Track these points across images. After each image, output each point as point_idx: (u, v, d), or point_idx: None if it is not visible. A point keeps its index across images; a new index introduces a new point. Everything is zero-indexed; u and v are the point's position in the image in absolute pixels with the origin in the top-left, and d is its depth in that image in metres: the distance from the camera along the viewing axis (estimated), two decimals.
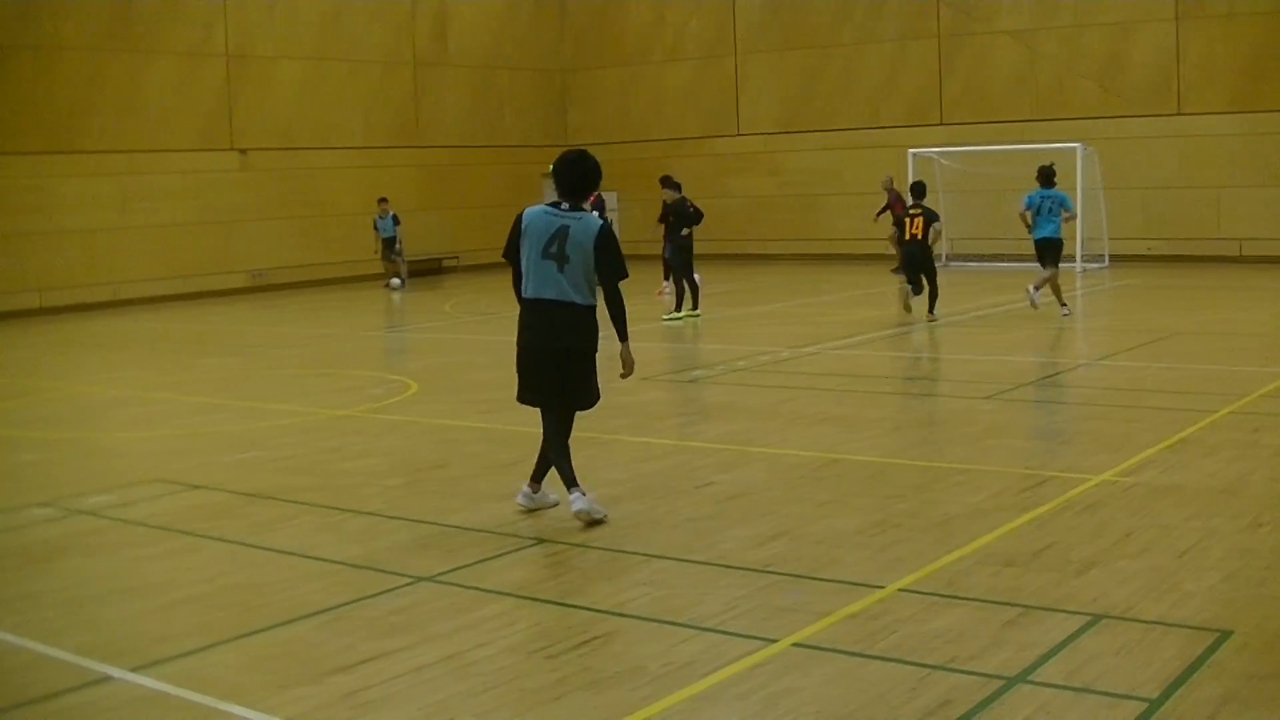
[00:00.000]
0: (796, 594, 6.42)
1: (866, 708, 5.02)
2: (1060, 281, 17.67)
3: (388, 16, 29.66)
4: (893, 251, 26.60)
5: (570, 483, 7.79)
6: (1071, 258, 23.03)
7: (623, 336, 7.81)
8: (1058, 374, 13.72)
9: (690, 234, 19.09)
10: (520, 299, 7.83)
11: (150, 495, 9.17)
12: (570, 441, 7.94)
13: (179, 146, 25.88)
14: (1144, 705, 4.95)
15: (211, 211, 26.32)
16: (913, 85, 29.08)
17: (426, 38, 30.46)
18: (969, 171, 26.58)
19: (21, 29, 23.64)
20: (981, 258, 25.95)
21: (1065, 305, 17.54)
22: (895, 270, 25.92)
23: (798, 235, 30.54)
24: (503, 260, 7.97)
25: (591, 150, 8.13)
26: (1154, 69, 26.40)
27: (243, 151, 26.91)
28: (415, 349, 18.08)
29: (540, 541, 7.56)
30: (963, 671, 5.33)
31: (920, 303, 17.90)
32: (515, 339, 7.94)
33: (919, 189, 18.18)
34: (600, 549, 7.37)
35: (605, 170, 8.48)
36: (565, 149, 8.08)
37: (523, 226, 7.75)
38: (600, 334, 7.82)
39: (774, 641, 5.75)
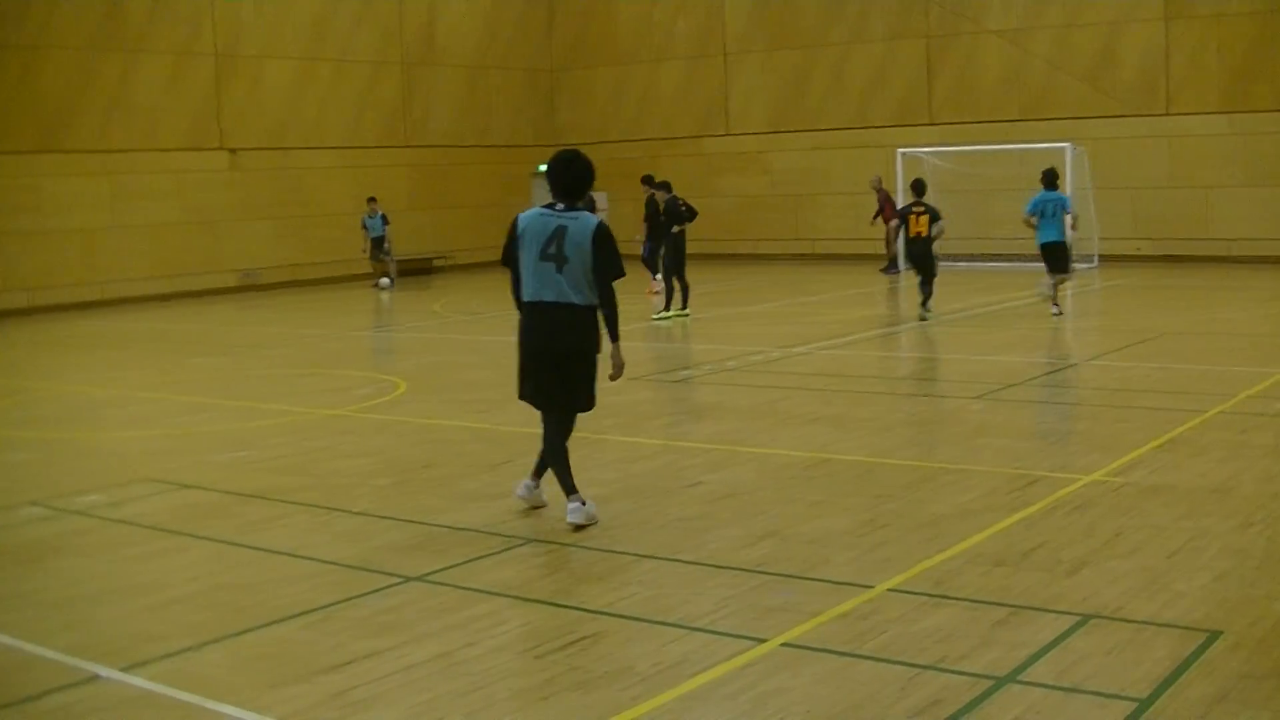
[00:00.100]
0: (786, 594, 6.42)
1: (856, 708, 5.03)
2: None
3: (377, 16, 29.61)
4: (882, 251, 26.75)
5: (569, 490, 7.77)
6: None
7: (614, 336, 7.78)
8: (1048, 374, 13.74)
9: (683, 232, 19.06)
10: (519, 303, 7.78)
11: (141, 495, 9.15)
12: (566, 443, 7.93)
13: (168, 146, 25.84)
14: (1134, 705, 4.96)
15: (201, 211, 26.29)
16: (902, 85, 29.11)
17: (415, 37, 30.42)
18: (958, 171, 26.60)
19: (11, 28, 23.57)
20: (971, 257, 25.97)
21: (1057, 305, 17.58)
22: (884, 270, 26.00)
23: (787, 235, 30.55)
24: (493, 261, 7.95)
25: (581, 150, 8.11)
26: (1143, 69, 26.46)
27: (232, 151, 26.87)
28: (405, 349, 18.06)
29: (529, 541, 7.56)
30: (952, 671, 5.34)
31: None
32: (511, 340, 7.91)
33: (920, 186, 18.08)
34: (589, 549, 7.37)
35: (596, 170, 8.47)
36: (555, 149, 8.06)
37: (519, 230, 7.68)
38: None
39: (763, 641, 5.75)
